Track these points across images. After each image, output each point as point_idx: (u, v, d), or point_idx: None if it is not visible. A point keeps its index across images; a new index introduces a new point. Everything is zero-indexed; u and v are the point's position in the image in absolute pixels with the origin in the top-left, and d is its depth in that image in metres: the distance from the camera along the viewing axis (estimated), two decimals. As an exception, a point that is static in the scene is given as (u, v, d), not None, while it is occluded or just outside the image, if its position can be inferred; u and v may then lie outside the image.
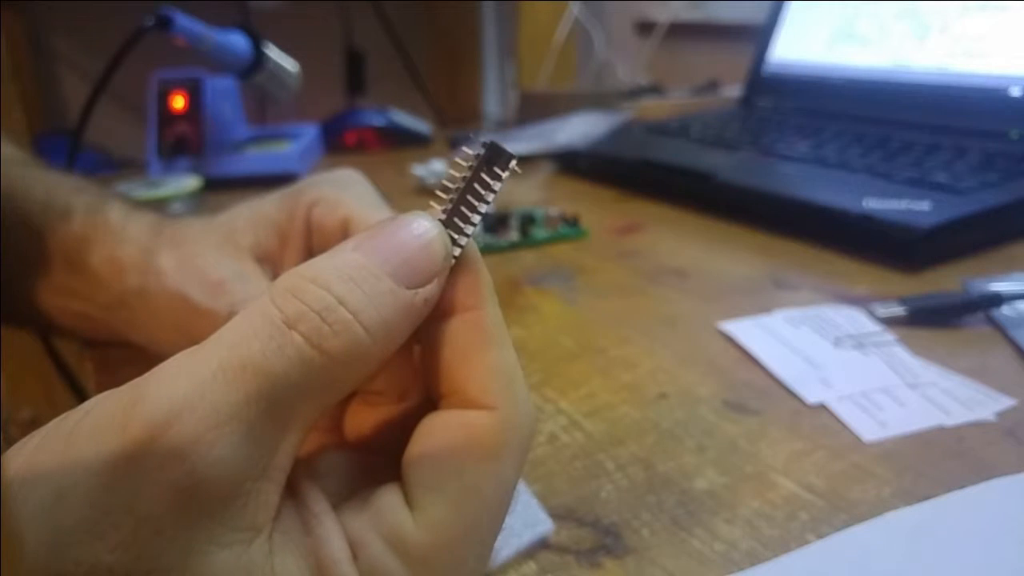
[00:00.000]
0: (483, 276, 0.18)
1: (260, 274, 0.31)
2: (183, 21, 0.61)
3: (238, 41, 0.67)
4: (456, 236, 0.17)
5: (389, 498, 0.16)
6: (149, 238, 0.33)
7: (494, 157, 0.17)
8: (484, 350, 0.17)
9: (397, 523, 0.16)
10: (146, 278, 0.32)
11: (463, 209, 0.17)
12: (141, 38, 0.61)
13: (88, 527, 0.13)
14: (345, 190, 0.32)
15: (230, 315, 0.24)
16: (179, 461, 0.13)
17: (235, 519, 0.14)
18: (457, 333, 0.17)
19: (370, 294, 0.15)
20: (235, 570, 0.14)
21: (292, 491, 0.16)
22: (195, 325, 0.30)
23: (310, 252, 0.31)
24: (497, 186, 0.17)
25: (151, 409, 0.14)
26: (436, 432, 0.17)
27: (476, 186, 0.17)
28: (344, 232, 0.30)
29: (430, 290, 0.16)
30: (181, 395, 0.14)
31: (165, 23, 0.60)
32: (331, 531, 0.15)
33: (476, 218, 0.17)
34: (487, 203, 0.17)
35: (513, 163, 0.17)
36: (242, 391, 0.14)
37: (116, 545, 0.13)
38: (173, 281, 0.31)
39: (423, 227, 0.17)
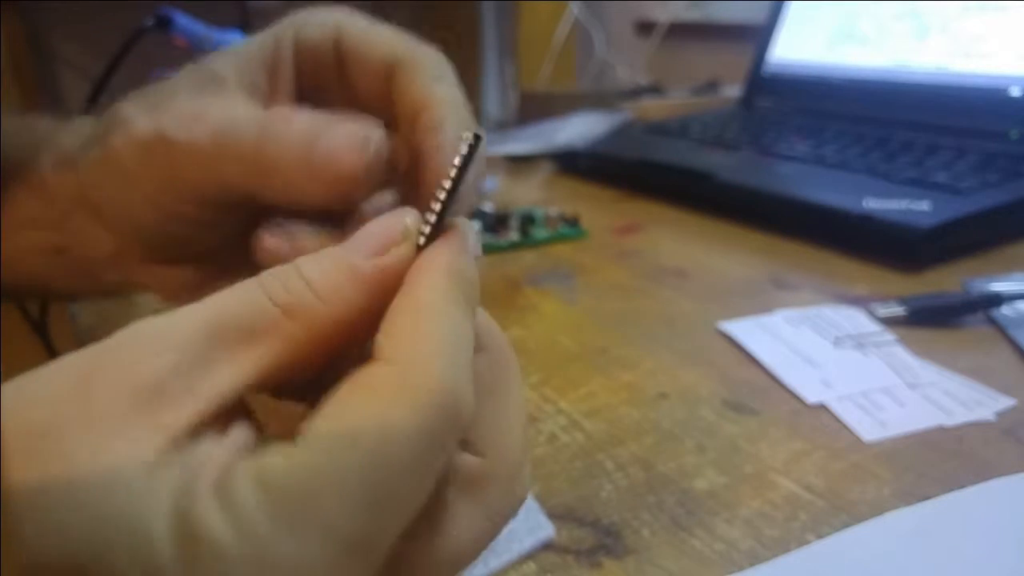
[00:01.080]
0: (444, 253, 0.18)
1: (246, 103, 0.26)
2: (183, 21, 0.61)
3: (238, 41, 0.67)
4: (428, 215, 0.19)
5: (278, 440, 0.16)
6: (106, 115, 0.28)
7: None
8: (407, 313, 0.17)
9: (268, 458, 0.15)
10: (108, 139, 0.27)
11: (436, 192, 0.19)
12: (141, 38, 0.61)
13: (51, 401, 0.14)
14: (334, 11, 0.28)
15: (214, 144, 0.23)
16: (132, 357, 0.15)
17: (154, 417, 0.15)
18: (395, 301, 0.18)
19: (325, 265, 0.17)
20: (131, 460, 0.14)
21: (223, 428, 0.16)
22: (175, 164, 0.25)
23: (301, 81, 0.27)
24: (457, 160, 0.19)
25: (128, 329, 0.16)
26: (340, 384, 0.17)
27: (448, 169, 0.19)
28: (335, 46, 0.26)
29: (385, 261, 0.18)
30: (154, 321, 0.16)
31: (165, 23, 0.60)
32: (212, 453, 0.15)
33: (441, 195, 0.19)
34: (451, 179, 0.19)
35: (467, 135, 0.19)
36: (200, 319, 0.16)
37: (64, 419, 0.14)
38: (142, 124, 0.26)
39: (387, 207, 0.19)
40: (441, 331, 0.17)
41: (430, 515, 0.17)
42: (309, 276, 0.17)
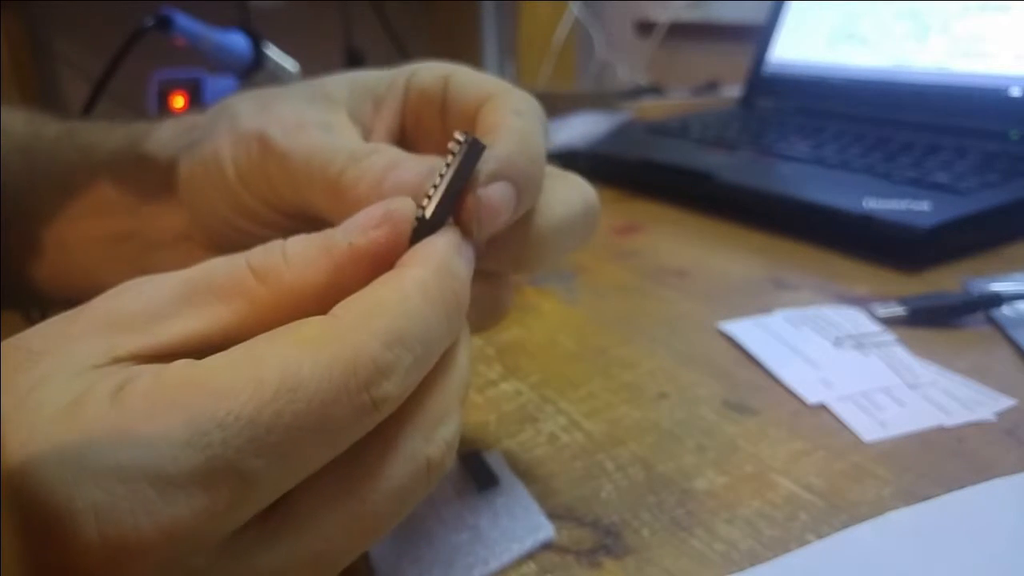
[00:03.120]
0: (439, 250, 0.19)
1: (350, 128, 0.26)
2: (183, 21, 0.61)
3: (238, 41, 0.67)
4: (424, 205, 0.20)
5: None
6: (215, 108, 0.29)
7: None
8: (374, 287, 0.18)
9: (174, 364, 0.17)
10: (215, 129, 0.27)
11: (430, 186, 0.20)
12: (141, 38, 0.61)
13: (47, 325, 0.17)
14: (447, 64, 0.28)
15: (306, 162, 0.24)
16: (118, 301, 0.18)
17: (109, 341, 0.17)
18: (378, 279, 0.19)
19: (306, 241, 0.19)
20: (76, 362, 0.16)
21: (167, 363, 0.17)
22: (267, 168, 0.25)
23: (405, 118, 0.28)
24: (448, 159, 0.20)
25: (133, 281, 0.18)
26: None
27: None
28: (444, 86, 0.26)
29: (358, 239, 0.19)
30: (154, 276, 0.18)
31: (165, 23, 0.60)
32: (139, 368, 0.17)
33: (430, 189, 0.20)
34: (441, 175, 0.20)
35: (460, 136, 0.20)
36: (185, 277, 0.18)
37: (50, 338, 0.17)
38: (249, 121, 0.26)
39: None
40: (391, 307, 0.17)
41: (350, 454, 0.17)
42: (288, 248, 0.18)
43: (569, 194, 0.24)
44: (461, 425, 0.19)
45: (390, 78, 0.28)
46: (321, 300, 0.18)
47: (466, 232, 0.21)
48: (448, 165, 0.20)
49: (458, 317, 0.19)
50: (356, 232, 0.19)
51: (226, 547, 0.15)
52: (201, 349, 0.16)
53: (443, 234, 0.20)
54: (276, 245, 0.18)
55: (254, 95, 0.28)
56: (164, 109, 0.72)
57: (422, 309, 0.17)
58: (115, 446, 0.14)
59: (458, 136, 0.20)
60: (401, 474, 0.17)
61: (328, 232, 0.19)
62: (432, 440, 0.18)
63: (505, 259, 0.23)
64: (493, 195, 0.21)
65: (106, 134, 0.32)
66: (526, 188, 0.21)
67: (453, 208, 0.20)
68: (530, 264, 0.24)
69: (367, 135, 0.27)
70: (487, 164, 0.21)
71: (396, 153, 0.23)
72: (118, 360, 0.16)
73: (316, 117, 0.26)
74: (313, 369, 0.15)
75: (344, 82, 0.28)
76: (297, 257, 0.18)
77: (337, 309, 0.17)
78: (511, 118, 0.23)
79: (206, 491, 0.14)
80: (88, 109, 0.62)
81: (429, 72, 0.27)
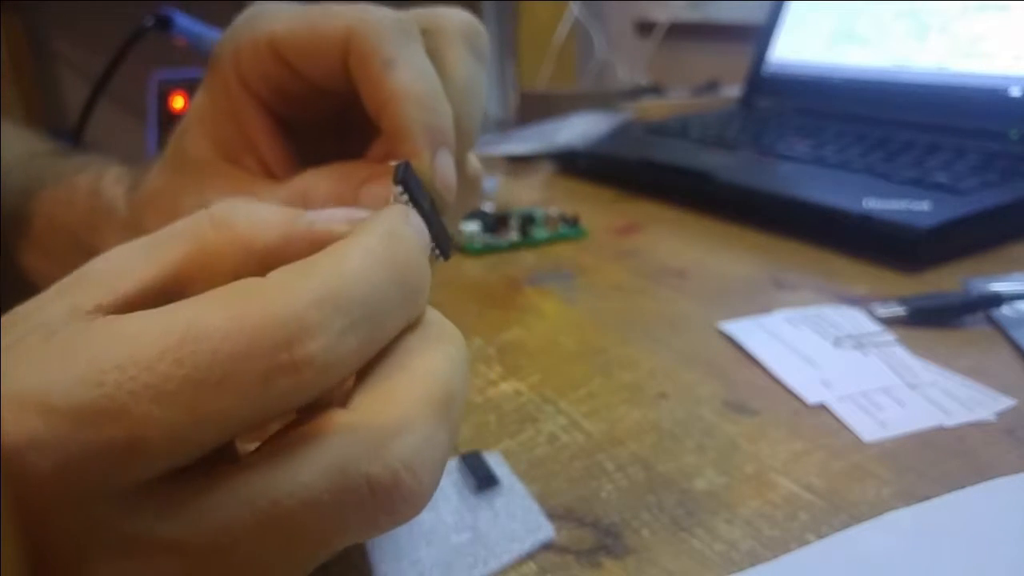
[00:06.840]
0: (385, 217, 0.19)
1: (231, 186, 0.25)
2: (183, 21, 0.61)
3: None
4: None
5: None
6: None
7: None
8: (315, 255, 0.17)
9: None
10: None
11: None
12: (141, 38, 0.61)
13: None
14: (256, 21, 0.25)
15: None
16: (92, 264, 0.18)
17: (71, 298, 0.17)
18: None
19: (276, 208, 0.19)
20: (37, 319, 0.16)
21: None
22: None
23: (273, 103, 0.26)
24: (392, 195, 0.20)
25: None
26: None
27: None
28: (273, 55, 0.24)
29: (317, 222, 0.19)
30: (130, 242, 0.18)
31: (165, 23, 0.60)
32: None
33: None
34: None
35: (391, 186, 0.20)
36: (151, 236, 0.18)
37: (37, 301, 0.17)
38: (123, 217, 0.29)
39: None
40: (325, 267, 0.16)
41: (272, 452, 0.16)
42: (252, 206, 0.18)
43: (456, 54, 0.24)
44: (444, 445, 0.17)
45: (220, 88, 0.26)
46: (267, 264, 0.17)
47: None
48: (396, 196, 0.20)
49: (414, 284, 0.17)
50: (322, 218, 0.19)
51: (128, 503, 0.14)
52: (158, 301, 0.16)
53: (390, 208, 0.19)
54: (243, 201, 0.18)
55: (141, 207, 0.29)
56: (164, 109, 0.72)
57: (364, 270, 0.16)
58: (20, 378, 0.14)
59: (395, 190, 0.19)
60: (324, 486, 0.15)
61: (298, 210, 0.19)
62: (378, 457, 0.15)
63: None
64: (444, 179, 0.22)
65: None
66: (450, 141, 0.22)
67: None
68: (471, 132, 0.24)
69: (256, 152, 0.26)
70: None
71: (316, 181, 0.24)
72: (74, 311, 0.16)
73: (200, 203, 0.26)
74: (224, 322, 0.14)
75: (199, 134, 0.27)
76: (256, 215, 0.18)
77: (272, 273, 0.16)
78: (388, 78, 0.22)
79: (96, 430, 0.14)
80: (88, 109, 0.62)
81: (251, 57, 0.24)
